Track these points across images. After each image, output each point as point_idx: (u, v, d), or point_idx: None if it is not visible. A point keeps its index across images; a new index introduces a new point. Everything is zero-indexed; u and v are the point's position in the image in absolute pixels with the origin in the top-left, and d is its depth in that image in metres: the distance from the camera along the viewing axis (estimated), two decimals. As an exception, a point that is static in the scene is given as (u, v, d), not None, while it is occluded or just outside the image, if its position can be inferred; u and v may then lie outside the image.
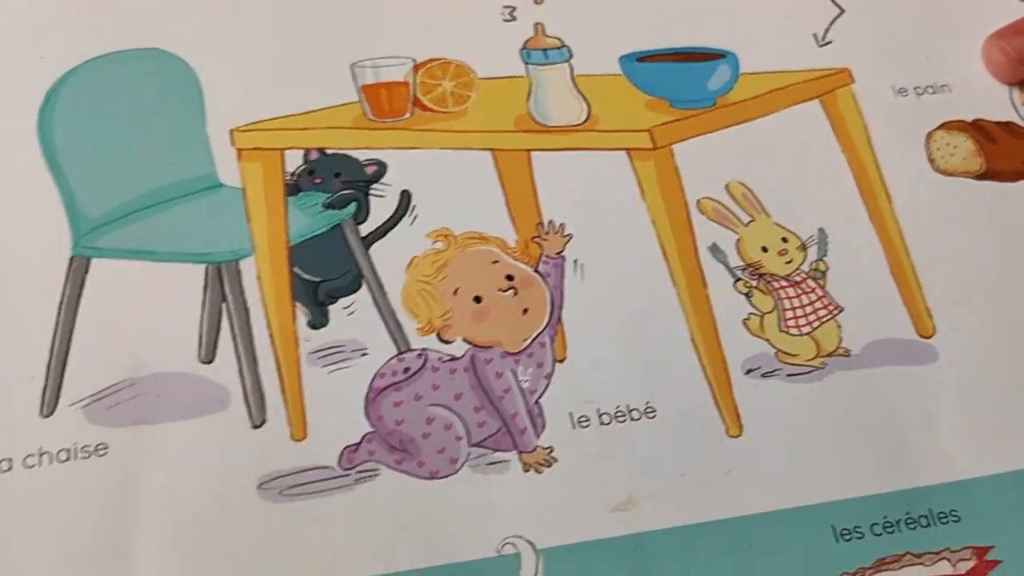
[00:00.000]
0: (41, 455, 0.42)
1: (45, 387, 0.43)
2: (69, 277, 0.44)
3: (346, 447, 0.44)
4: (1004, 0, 0.58)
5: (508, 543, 0.43)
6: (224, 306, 0.46)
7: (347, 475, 0.43)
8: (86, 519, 0.41)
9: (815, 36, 0.56)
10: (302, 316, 0.47)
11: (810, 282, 0.50)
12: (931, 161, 0.54)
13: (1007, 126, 0.55)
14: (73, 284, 0.44)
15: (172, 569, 0.40)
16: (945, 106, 0.55)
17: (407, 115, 0.51)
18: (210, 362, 0.45)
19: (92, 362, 0.44)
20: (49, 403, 0.43)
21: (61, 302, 0.44)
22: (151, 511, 0.41)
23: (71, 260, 0.45)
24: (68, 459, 0.42)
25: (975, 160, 0.54)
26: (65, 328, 0.44)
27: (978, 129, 0.55)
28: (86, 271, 0.45)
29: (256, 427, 0.44)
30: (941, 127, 0.55)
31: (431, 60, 0.52)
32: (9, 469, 0.42)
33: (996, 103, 0.56)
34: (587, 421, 0.45)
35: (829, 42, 0.56)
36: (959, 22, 0.58)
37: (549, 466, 0.44)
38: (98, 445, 0.42)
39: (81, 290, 0.45)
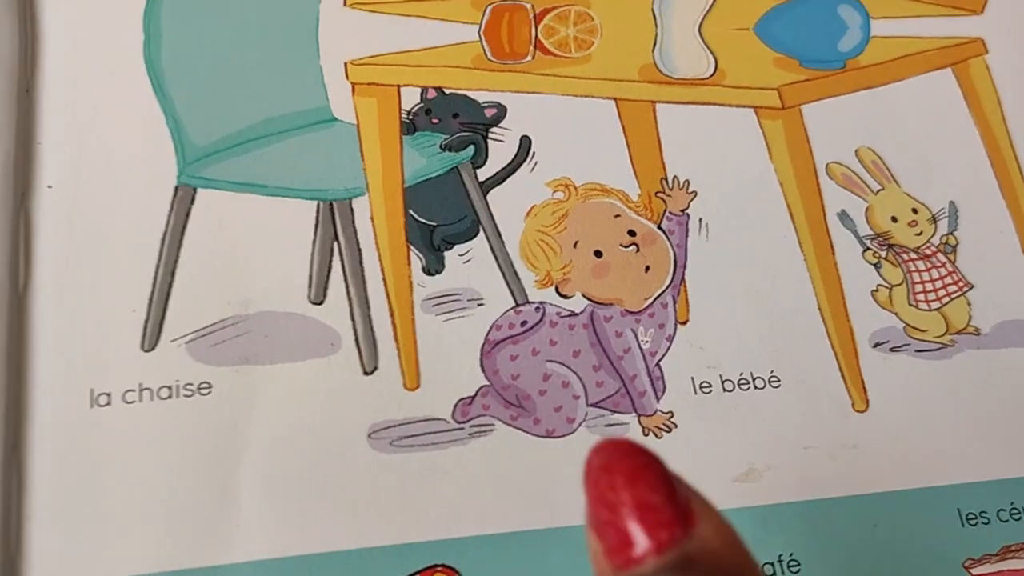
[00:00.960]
0: (142, 391, 0.40)
1: (147, 320, 0.41)
2: (174, 207, 0.43)
3: (460, 399, 0.42)
4: None
5: None
6: (335, 246, 0.44)
7: (461, 428, 0.42)
8: (187, 459, 0.40)
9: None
10: (416, 261, 0.45)
11: (940, 256, 0.49)
12: None
13: None
14: (178, 214, 0.43)
15: (276, 514, 0.39)
16: None
17: (529, 57, 0.50)
18: (320, 303, 0.43)
19: (197, 297, 0.42)
20: (151, 337, 0.41)
21: (165, 233, 0.42)
22: (256, 454, 0.40)
23: (176, 189, 0.44)
24: (169, 396, 0.41)
25: None
26: (168, 260, 0.42)
27: None
28: (192, 201, 0.43)
29: (367, 374, 0.43)
30: None
31: (554, 3, 0.50)
32: (108, 404, 0.40)
33: None
34: (709, 387, 0.44)
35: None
36: None
37: (669, 431, 0.43)
38: (201, 383, 0.41)
39: (186, 221, 0.43)
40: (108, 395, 0.40)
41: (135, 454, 0.39)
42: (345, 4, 0.48)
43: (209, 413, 0.40)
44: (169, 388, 0.41)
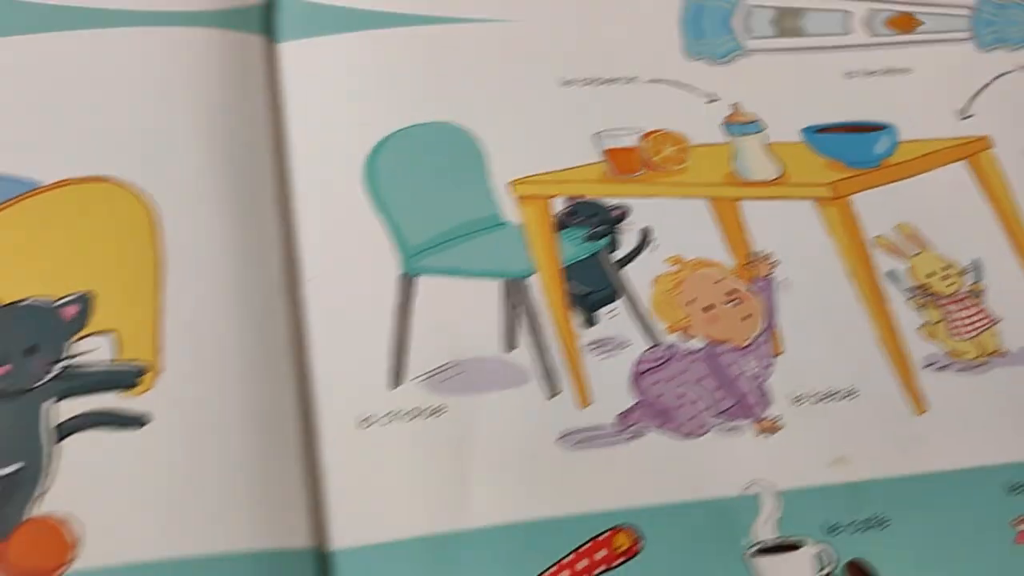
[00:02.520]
0: (392, 415, 0.49)
1: (390, 368, 0.50)
2: (401, 288, 0.52)
3: (620, 412, 0.50)
4: None
5: (752, 485, 0.49)
6: (517, 310, 0.53)
7: (621, 433, 0.50)
8: (431, 463, 0.48)
9: (957, 111, 0.62)
10: (578, 318, 0.54)
11: (971, 300, 0.56)
12: None
13: None
14: (403, 293, 0.52)
15: (496, 502, 0.47)
16: None
17: (640, 172, 0.57)
18: (512, 350, 0.52)
19: (426, 350, 0.51)
20: (393, 379, 0.50)
21: (397, 307, 0.52)
22: (480, 458, 0.48)
23: (402, 276, 0.53)
24: (415, 418, 0.49)
25: None
26: (401, 324, 0.51)
27: None
28: (411, 285, 0.52)
29: (551, 397, 0.51)
30: None
31: (656, 131, 0.59)
32: (370, 426, 0.49)
33: None
34: (802, 400, 0.52)
35: (971, 115, 0.62)
36: None
37: (775, 432, 0.51)
38: (438, 407, 0.49)
39: (410, 299, 0.52)
40: (368, 419, 0.49)
41: (391, 461, 0.48)
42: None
43: (445, 429, 0.49)
44: (412, 412, 0.50)
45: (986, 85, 0.63)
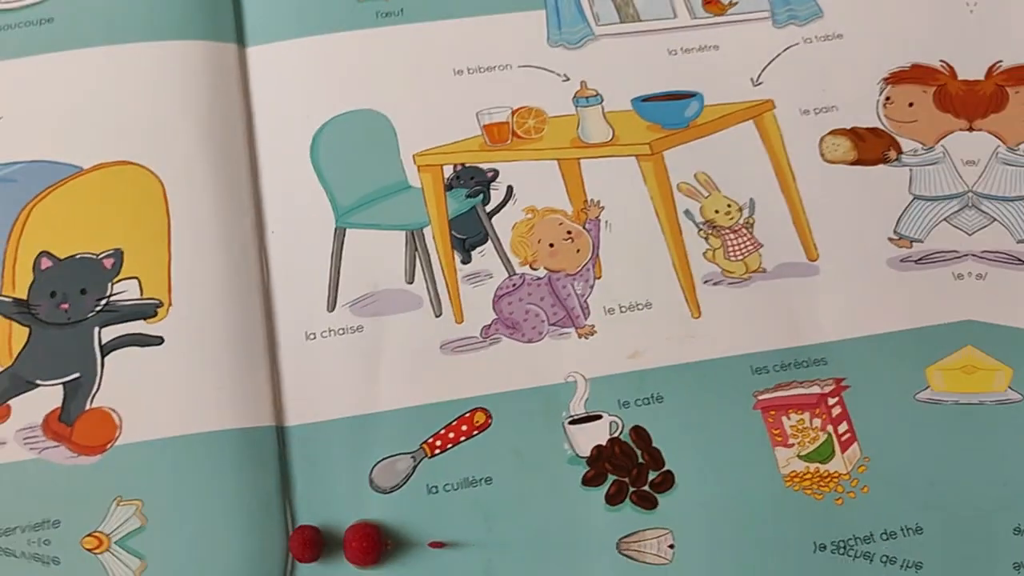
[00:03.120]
0: (330, 331, 0.54)
1: (328, 297, 0.55)
2: (335, 238, 0.56)
3: (484, 326, 0.55)
4: (878, 50, 0.65)
5: (571, 375, 0.54)
6: (416, 252, 0.57)
7: (484, 340, 0.54)
8: (354, 366, 0.53)
9: (751, 80, 0.63)
10: (458, 257, 0.57)
11: (744, 230, 0.58)
12: (822, 155, 0.61)
13: (873, 130, 0.62)
14: (337, 242, 0.55)
15: (397, 392, 0.53)
16: (832, 120, 0.62)
17: (509, 142, 0.60)
18: (411, 282, 0.56)
19: (353, 284, 0.55)
20: (330, 305, 0.54)
21: (333, 252, 0.55)
22: (386, 362, 0.53)
23: (336, 229, 0.56)
24: (344, 334, 0.54)
25: (851, 153, 0.61)
26: (335, 266, 0.55)
27: (854, 133, 0.62)
28: (343, 235, 0.56)
29: (437, 316, 0.55)
30: (829, 133, 0.62)
31: (521, 107, 0.61)
32: (314, 338, 0.54)
33: (866, 116, 0.62)
34: (613, 311, 0.56)
35: (761, 83, 0.63)
36: (845, 65, 0.64)
37: (592, 335, 0.55)
38: (359, 326, 0.54)
39: (343, 245, 0.55)
40: (315, 333, 0.54)
41: (328, 366, 0.53)
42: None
43: (363, 342, 0.54)
44: (343, 329, 0.54)
45: (776, 56, 0.64)
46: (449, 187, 0.59)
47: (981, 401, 0.54)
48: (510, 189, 0.58)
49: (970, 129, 0.64)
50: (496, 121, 0.59)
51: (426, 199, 0.58)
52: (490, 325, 0.55)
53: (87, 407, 0.51)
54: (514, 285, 0.56)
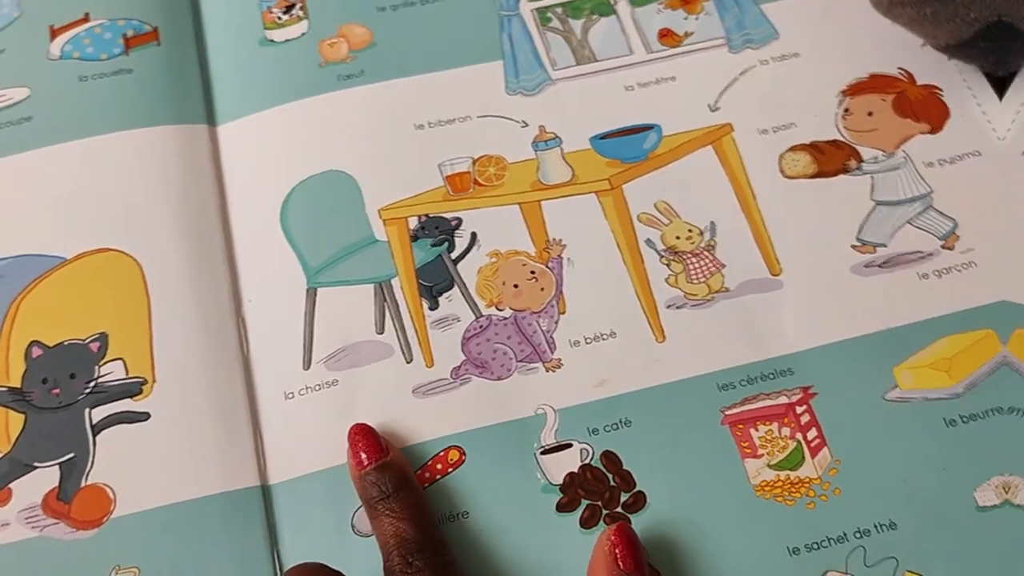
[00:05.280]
0: (306, 388, 0.57)
1: (303, 356, 0.57)
2: (308, 298, 0.59)
3: (453, 367, 0.57)
4: (835, 64, 0.69)
5: (540, 407, 0.56)
6: (385, 303, 0.59)
7: (455, 381, 0.57)
8: (331, 419, 0.56)
9: (709, 106, 0.67)
10: (426, 304, 0.60)
11: (706, 253, 0.61)
12: (781, 171, 0.64)
13: (832, 142, 0.65)
14: (309, 302, 0.59)
15: (381, 432, 0.54)
16: (791, 137, 0.65)
17: (471, 190, 0.62)
18: (382, 332, 0.58)
19: (326, 340, 0.58)
20: (306, 363, 0.57)
21: (306, 312, 0.59)
22: (360, 412, 0.56)
23: (308, 290, 0.59)
24: (320, 389, 0.57)
25: (811, 167, 0.64)
26: (309, 325, 0.58)
27: (813, 147, 0.65)
28: (314, 295, 0.59)
29: (408, 363, 0.57)
30: (788, 149, 0.65)
31: (482, 156, 0.64)
32: (293, 397, 0.56)
33: (825, 129, 0.65)
34: (578, 343, 0.58)
35: (719, 108, 0.66)
36: (802, 82, 0.67)
37: (559, 368, 0.57)
38: (334, 380, 0.56)
39: (315, 304, 0.59)
40: (293, 392, 0.57)
41: (309, 422, 0.56)
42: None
43: (339, 396, 0.56)
44: (319, 385, 0.57)
45: (734, 80, 0.67)
46: (415, 238, 0.61)
47: (950, 395, 0.56)
48: (474, 235, 0.62)
49: (932, 132, 0.67)
50: (458, 171, 0.63)
51: (392, 251, 0.61)
52: (460, 366, 0.57)
53: (83, 484, 0.54)
54: (481, 326, 0.58)
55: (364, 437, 0.52)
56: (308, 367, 0.57)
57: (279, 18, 0.72)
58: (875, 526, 0.54)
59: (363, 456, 0.51)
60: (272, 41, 0.71)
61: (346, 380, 0.57)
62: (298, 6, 0.72)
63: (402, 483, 0.49)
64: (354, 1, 0.72)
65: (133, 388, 0.58)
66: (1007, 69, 0.63)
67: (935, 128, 0.66)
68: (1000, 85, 0.66)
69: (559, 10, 0.74)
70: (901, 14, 0.60)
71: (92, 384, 0.58)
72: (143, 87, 0.65)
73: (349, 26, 0.72)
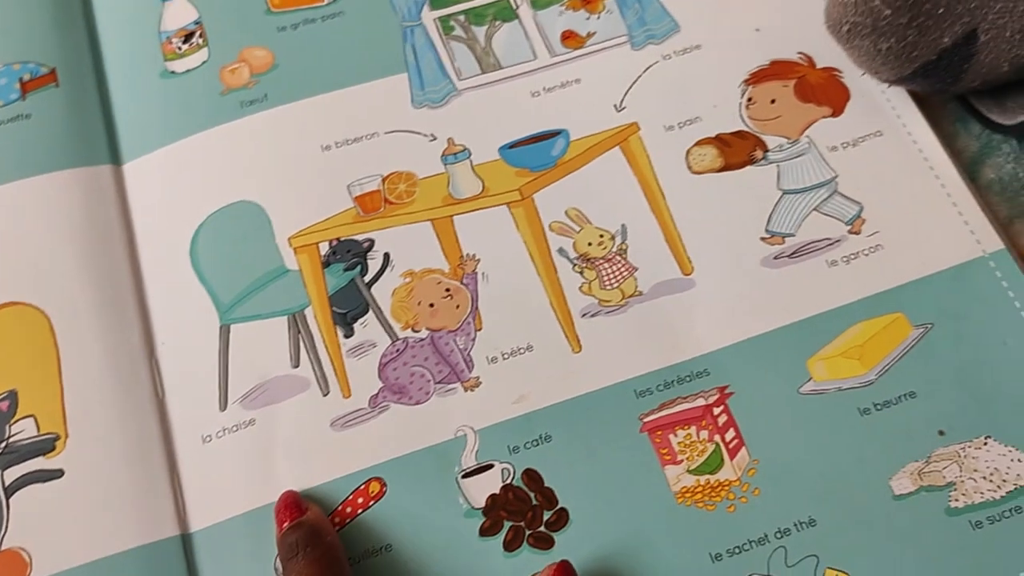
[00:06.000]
0: (224, 430, 0.55)
1: (219, 396, 0.56)
2: (221, 336, 0.58)
3: (371, 396, 0.56)
4: (737, 54, 0.68)
5: (460, 429, 0.55)
6: (300, 335, 0.58)
7: (373, 410, 0.56)
8: (250, 460, 0.55)
9: (614, 106, 0.66)
10: (341, 332, 0.59)
11: (618, 257, 0.60)
12: (689, 168, 0.63)
13: (738, 133, 0.65)
14: (223, 340, 0.58)
15: (293, 479, 0.54)
16: (697, 131, 0.64)
17: (382, 209, 0.61)
18: (297, 366, 0.57)
19: (242, 378, 0.57)
20: (222, 404, 0.56)
21: (219, 351, 0.57)
22: (280, 450, 0.55)
23: (221, 327, 0.58)
24: (237, 430, 0.55)
25: (717, 160, 0.64)
26: (223, 364, 0.57)
27: (719, 140, 0.64)
28: (228, 332, 0.58)
29: (325, 395, 0.56)
30: (694, 144, 0.64)
31: (392, 173, 0.63)
32: (210, 440, 0.55)
33: (730, 121, 0.65)
34: (496, 360, 0.57)
35: (625, 107, 0.66)
36: (705, 74, 0.67)
37: (477, 387, 0.56)
38: (251, 419, 0.55)
39: (229, 341, 0.57)
40: (210, 435, 0.55)
41: (228, 467, 0.55)
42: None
43: (257, 435, 0.55)
44: (236, 426, 0.56)
45: (638, 78, 0.67)
46: (327, 263, 0.60)
47: (863, 383, 0.56)
48: (387, 256, 0.61)
49: (834, 115, 0.67)
50: (367, 191, 0.62)
51: (304, 280, 0.60)
52: (377, 394, 0.56)
53: (-3, 549, 0.50)
54: (398, 350, 0.57)
55: (284, 502, 0.52)
56: (225, 408, 0.56)
57: (179, 48, 0.70)
58: (795, 524, 0.54)
59: (282, 520, 0.50)
60: (173, 72, 0.69)
61: (263, 419, 0.56)
62: (197, 34, 0.70)
63: (311, 539, 0.48)
64: (254, 23, 0.71)
65: (45, 445, 0.57)
66: (950, 93, 0.61)
67: (837, 111, 0.65)
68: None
69: (461, 18, 0.72)
70: (859, 46, 0.59)
71: (3, 445, 0.56)
72: (43, 132, 0.64)
73: (250, 50, 0.70)
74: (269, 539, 0.55)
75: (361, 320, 0.59)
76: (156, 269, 0.61)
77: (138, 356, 0.58)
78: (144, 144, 0.66)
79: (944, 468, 0.54)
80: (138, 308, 0.59)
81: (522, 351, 0.58)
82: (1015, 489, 0.54)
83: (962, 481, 0.54)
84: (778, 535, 0.54)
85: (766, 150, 0.64)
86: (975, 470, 0.54)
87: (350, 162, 0.63)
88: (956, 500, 0.54)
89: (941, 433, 0.54)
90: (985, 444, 0.55)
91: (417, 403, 0.57)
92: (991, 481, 0.54)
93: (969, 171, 0.63)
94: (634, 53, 0.68)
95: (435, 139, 0.65)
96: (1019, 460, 0.54)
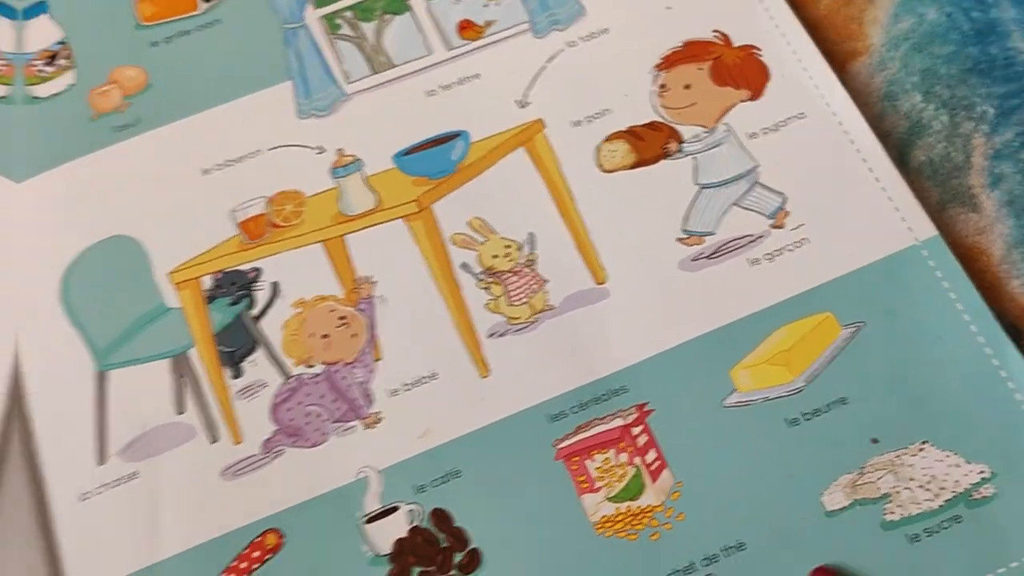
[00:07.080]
0: (103, 486, 0.53)
1: (96, 450, 0.53)
2: (96, 384, 0.55)
3: (264, 440, 0.54)
4: (648, 36, 0.64)
5: (361, 471, 0.52)
6: (184, 379, 0.56)
7: (267, 456, 0.53)
8: (133, 517, 0.52)
9: (517, 102, 0.62)
10: (228, 373, 0.56)
11: (526, 270, 0.57)
12: (599, 166, 0.60)
13: (650, 124, 0.61)
14: (99, 388, 0.55)
15: (180, 534, 0.52)
16: (607, 125, 0.60)
17: (268, 234, 0.58)
18: (182, 412, 0.55)
19: (121, 428, 0.54)
20: (99, 458, 0.53)
21: (96, 400, 0.54)
22: (165, 504, 0.52)
23: (96, 374, 0.55)
24: (118, 485, 0.52)
25: (629, 156, 0.60)
26: (100, 414, 0.54)
27: (630, 133, 0.60)
28: (104, 379, 0.55)
29: (212, 443, 0.54)
30: (604, 140, 0.60)
31: (277, 193, 0.59)
32: (89, 497, 0.52)
33: (642, 111, 0.61)
34: (397, 392, 0.54)
35: (528, 103, 0.62)
36: (614, 61, 0.63)
37: (378, 423, 0.54)
38: (133, 472, 0.53)
39: (106, 388, 0.54)
40: (87, 492, 0.53)
41: (107, 525, 0.52)
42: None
43: (140, 487, 0.53)
44: (117, 481, 0.53)
45: (541, 70, 0.63)
46: (211, 299, 0.57)
47: (791, 391, 0.53)
48: (275, 286, 0.57)
49: (753, 99, 0.63)
50: (251, 215, 0.58)
51: (187, 318, 0.57)
52: (271, 438, 0.54)
53: None
54: (291, 389, 0.55)
55: None
56: (103, 461, 0.53)
57: (42, 71, 0.65)
58: (722, 550, 0.51)
59: None
60: (37, 98, 0.64)
61: (147, 471, 0.53)
62: (62, 55, 0.64)
63: None
64: (124, 40, 0.66)
65: None
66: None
67: (756, 93, 0.61)
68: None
69: (348, 14, 0.67)
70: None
71: None
72: None
73: (121, 69, 0.66)
74: (156, 606, 0.50)
75: (250, 358, 0.56)
76: (25, 314, 0.57)
77: (3, 414, 0.55)
78: (7, 177, 0.62)
79: (879, 479, 0.51)
80: (8, 356, 0.56)
81: (425, 380, 0.55)
82: (953, 497, 0.50)
83: (898, 492, 0.50)
84: (705, 562, 0.51)
85: (681, 141, 0.60)
86: (911, 478, 0.51)
87: (232, 185, 0.60)
88: (892, 512, 0.50)
89: (875, 441, 0.52)
90: (921, 450, 0.51)
91: (314, 445, 0.54)
92: (928, 489, 0.50)
93: (898, 154, 0.59)
94: (537, 41, 0.64)
95: (323, 151, 0.61)
96: (957, 465, 0.51)
